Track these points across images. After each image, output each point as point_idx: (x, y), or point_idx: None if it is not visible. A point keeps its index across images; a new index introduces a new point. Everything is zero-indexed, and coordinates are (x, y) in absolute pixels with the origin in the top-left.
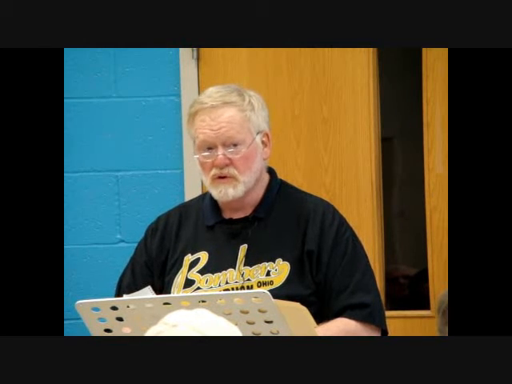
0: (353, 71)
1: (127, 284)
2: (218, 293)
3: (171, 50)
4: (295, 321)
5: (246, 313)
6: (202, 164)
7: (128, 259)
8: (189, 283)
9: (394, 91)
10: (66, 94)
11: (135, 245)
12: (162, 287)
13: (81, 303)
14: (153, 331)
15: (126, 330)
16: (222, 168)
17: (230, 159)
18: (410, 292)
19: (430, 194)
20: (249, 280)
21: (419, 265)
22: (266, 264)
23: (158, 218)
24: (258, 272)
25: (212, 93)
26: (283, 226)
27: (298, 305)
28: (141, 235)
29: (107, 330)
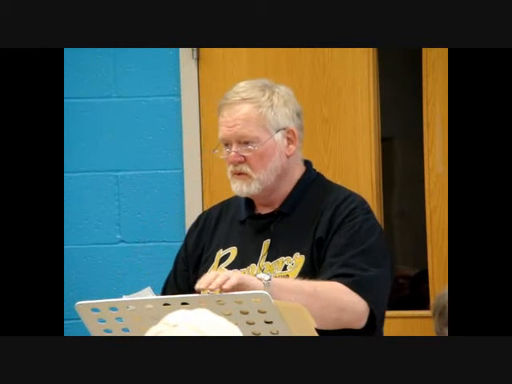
0: (353, 71)
1: (169, 280)
2: (217, 294)
3: (171, 50)
4: (295, 321)
5: (246, 313)
6: (224, 159)
7: (127, 259)
8: None
9: (394, 91)
10: (66, 94)
11: (135, 245)
12: (195, 282)
13: (80, 304)
14: (153, 331)
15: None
16: (235, 165)
17: (243, 157)
18: (410, 292)
19: (430, 193)
20: None
21: (419, 265)
22: (284, 259)
23: (201, 213)
24: (276, 267)
25: (237, 88)
26: (305, 220)
27: (297, 305)
28: (141, 235)
29: (107, 331)
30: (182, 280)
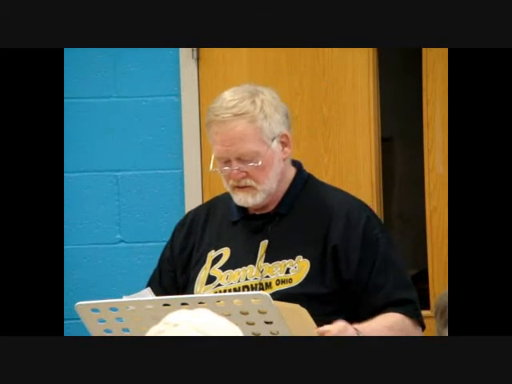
0: (353, 71)
1: (153, 279)
2: (217, 294)
3: (171, 50)
4: (295, 322)
5: (246, 314)
6: (222, 174)
7: (127, 259)
8: (210, 280)
9: (394, 91)
10: (66, 94)
11: (135, 245)
12: (186, 284)
13: (80, 304)
14: (154, 331)
15: None
16: (238, 180)
17: (245, 172)
18: None
19: (430, 194)
20: (267, 277)
21: (419, 265)
22: (286, 261)
23: (188, 213)
24: (277, 269)
25: (224, 101)
26: (305, 222)
27: (297, 306)
28: (140, 235)
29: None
30: (167, 281)
